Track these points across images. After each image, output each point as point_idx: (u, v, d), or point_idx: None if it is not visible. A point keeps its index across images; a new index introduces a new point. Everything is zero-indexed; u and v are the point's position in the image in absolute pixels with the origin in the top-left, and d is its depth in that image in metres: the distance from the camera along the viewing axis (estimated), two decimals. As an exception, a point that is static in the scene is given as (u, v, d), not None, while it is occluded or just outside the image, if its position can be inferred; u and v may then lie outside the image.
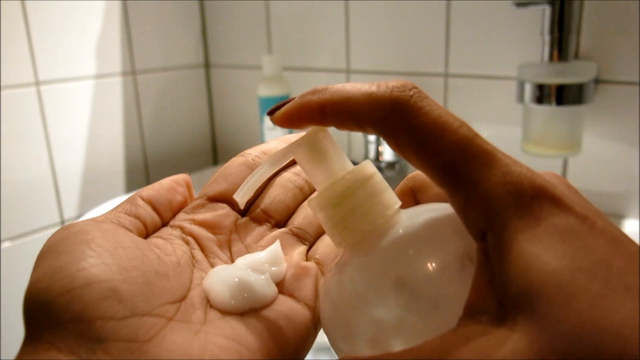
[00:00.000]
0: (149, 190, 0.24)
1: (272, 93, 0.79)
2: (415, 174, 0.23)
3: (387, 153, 0.69)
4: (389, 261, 0.19)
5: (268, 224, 0.26)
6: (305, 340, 0.21)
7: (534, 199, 0.16)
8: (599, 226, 0.16)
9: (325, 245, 0.25)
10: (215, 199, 0.25)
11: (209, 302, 0.21)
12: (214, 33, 1.00)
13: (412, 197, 0.23)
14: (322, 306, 0.21)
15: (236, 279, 0.22)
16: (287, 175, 0.27)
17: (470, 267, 0.17)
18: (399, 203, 0.21)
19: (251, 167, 0.26)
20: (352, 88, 0.19)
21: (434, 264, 0.18)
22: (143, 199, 0.23)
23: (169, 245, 0.23)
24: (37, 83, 0.78)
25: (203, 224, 0.24)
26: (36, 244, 0.81)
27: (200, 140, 1.06)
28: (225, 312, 0.21)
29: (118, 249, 0.20)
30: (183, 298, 0.20)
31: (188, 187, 0.26)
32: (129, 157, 0.93)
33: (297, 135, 0.24)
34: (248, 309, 0.21)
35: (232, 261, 0.24)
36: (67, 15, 0.81)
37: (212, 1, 0.99)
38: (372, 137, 0.70)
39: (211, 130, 1.07)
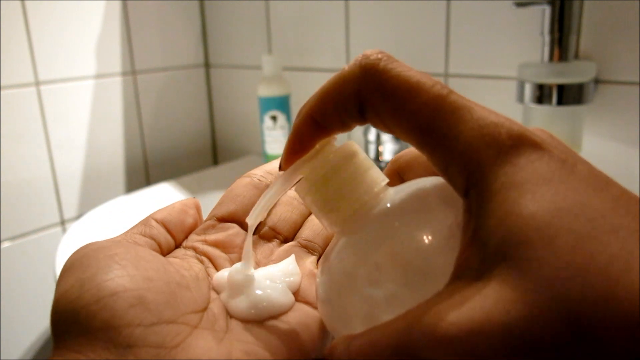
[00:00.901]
0: (161, 213, 0.25)
1: (272, 93, 0.79)
2: (399, 155, 0.23)
3: (387, 153, 0.69)
4: (377, 236, 0.19)
5: (277, 240, 0.26)
6: (322, 343, 0.22)
7: (512, 147, 0.15)
8: (580, 169, 0.15)
9: None
10: (224, 219, 0.26)
11: (228, 313, 0.22)
12: (214, 33, 1.00)
13: (398, 179, 0.23)
14: (317, 291, 0.21)
15: (254, 289, 0.22)
16: (292, 193, 0.28)
17: (459, 234, 0.17)
18: (386, 180, 0.21)
19: (257, 187, 0.26)
20: (325, 82, 0.19)
21: (421, 235, 0.18)
22: (156, 221, 0.24)
23: (185, 262, 0.23)
24: (37, 83, 0.78)
25: (215, 244, 0.25)
26: (36, 244, 0.81)
27: (200, 140, 1.06)
28: (245, 321, 0.21)
29: (141, 262, 0.20)
30: (205, 308, 0.21)
31: (198, 210, 0.26)
32: (129, 157, 0.93)
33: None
34: (267, 317, 0.22)
35: None
36: (67, 15, 0.81)
37: (212, 1, 0.99)
38: (372, 137, 0.70)
39: (211, 130, 1.07)
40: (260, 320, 0.22)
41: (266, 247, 0.26)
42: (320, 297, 0.21)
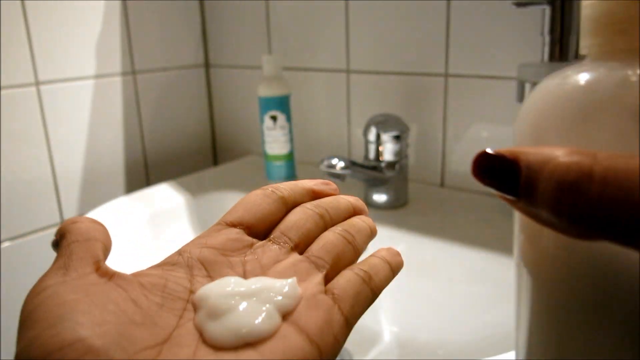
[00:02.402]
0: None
1: (272, 93, 0.79)
2: None
3: (387, 153, 0.69)
4: None
5: (287, 245, 0.25)
6: None
7: None
8: None
9: (346, 280, 0.24)
10: (232, 224, 0.26)
11: (201, 337, 0.21)
12: (214, 33, 1.00)
13: None
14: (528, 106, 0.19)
15: (235, 309, 0.21)
16: (307, 204, 0.27)
17: None
18: None
19: (269, 197, 0.26)
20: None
21: None
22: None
23: (165, 278, 0.23)
24: (37, 83, 0.78)
25: (214, 247, 0.24)
26: (36, 244, 0.81)
27: (200, 140, 1.06)
28: (218, 347, 0.20)
29: (92, 305, 0.20)
30: (166, 339, 0.20)
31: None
32: (129, 157, 0.93)
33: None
34: (243, 344, 0.20)
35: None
36: (67, 15, 0.81)
37: (212, 1, 0.99)
38: (372, 137, 0.70)
39: (211, 130, 1.07)
40: (234, 347, 0.20)
41: (274, 252, 0.25)
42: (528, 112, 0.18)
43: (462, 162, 0.76)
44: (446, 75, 0.74)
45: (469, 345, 0.54)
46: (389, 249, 0.27)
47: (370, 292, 0.24)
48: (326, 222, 0.27)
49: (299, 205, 0.27)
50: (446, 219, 0.69)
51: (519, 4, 0.59)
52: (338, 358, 0.58)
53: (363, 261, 0.26)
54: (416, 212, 0.71)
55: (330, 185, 0.29)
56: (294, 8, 0.88)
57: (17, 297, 0.88)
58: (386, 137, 0.69)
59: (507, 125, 0.70)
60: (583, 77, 0.18)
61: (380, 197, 0.72)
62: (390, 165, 0.70)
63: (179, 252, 0.24)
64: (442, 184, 0.79)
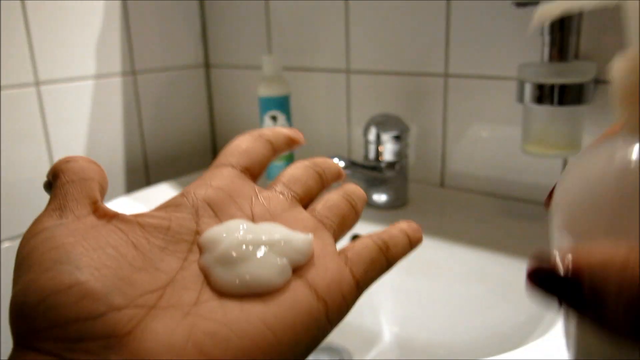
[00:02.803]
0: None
1: (272, 93, 0.79)
2: None
3: (387, 153, 0.69)
4: None
5: (292, 198, 0.25)
6: (310, 334, 0.20)
7: None
8: None
9: (363, 246, 0.24)
10: (232, 166, 0.25)
11: (206, 279, 0.20)
12: (214, 33, 1.00)
13: None
14: (565, 183, 0.17)
15: (245, 259, 0.20)
16: (305, 162, 0.28)
17: None
18: None
19: (259, 140, 0.27)
20: None
21: None
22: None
23: (168, 219, 0.22)
24: (37, 83, 0.78)
25: (220, 188, 0.24)
26: (36, 244, 0.81)
27: (200, 140, 1.06)
28: (224, 293, 0.20)
29: (89, 248, 0.19)
30: (169, 282, 0.20)
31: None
32: (129, 157, 0.93)
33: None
34: (250, 294, 0.20)
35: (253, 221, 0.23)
36: (67, 15, 0.81)
37: (212, 1, 0.99)
38: (371, 137, 0.70)
39: (211, 130, 1.07)
40: (241, 295, 0.20)
41: (281, 201, 0.25)
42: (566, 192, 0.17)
43: (462, 162, 0.76)
44: (446, 75, 0.74)
45: (469, 345, 0.54)
46: (410, 223, 0.26)
47: (385, 261, 0.24)
48: (323, 182, 0.27)
49: (282, 151, 0.28)
50: (446, 219, 0.69)
51: (519, 4, 0.59)
52: (338, 358, 0.58)
53: (383, 231, 0.25)
54: (416, 212, 0.71)
55: (300, 135, 0.30)
56: (294, 8, 0.88)
57: (17, 297, 0.86)
58: (386, 137, 0.69)
59: (507, 125, 0.70)
60: (631, 161, 0.16)
61: (380, 197, 0.72)
62: (390, 165, 0.70)
63: (183, 194, 0.23)
64: (442, 184, 0.79)
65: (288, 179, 0.26)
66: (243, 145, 0.26)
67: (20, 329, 0.18)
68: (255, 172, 0.26)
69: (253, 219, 0.24)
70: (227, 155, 0.26)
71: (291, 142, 0.28)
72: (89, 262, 0.19)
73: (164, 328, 0.18)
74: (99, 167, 0.23)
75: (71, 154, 0.24)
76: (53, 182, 0.23)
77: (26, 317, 0.18)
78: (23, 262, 0.19)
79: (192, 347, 0.18)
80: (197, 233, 0.22)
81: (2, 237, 0.78)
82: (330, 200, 0.26)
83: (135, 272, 0.19)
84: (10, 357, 0.18)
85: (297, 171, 0.27)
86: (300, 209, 0.25)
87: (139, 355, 0.17)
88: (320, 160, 0.28)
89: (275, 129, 0.28)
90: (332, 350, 0.59)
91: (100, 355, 0.17)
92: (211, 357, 0.18)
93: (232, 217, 0.23)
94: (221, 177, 0.24)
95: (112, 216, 0.21)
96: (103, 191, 0.23)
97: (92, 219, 0.21)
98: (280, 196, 0.25)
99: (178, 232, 0.22)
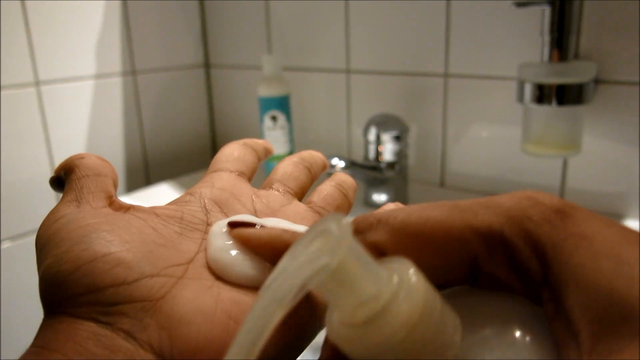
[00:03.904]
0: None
1: (272, 93, 0.79)
2: (387, 214, 0.19)
3: (387, 153, 0.69)
4: None
5: (287, 193, 0.27)
6: (321, 300, 0.21)
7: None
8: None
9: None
10: (229, 170, 0.27)
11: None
12: (214, 33, 1.00)
13: (375, 250, 0.18)
14: None
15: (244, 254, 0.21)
16: (293, 157, 0.29)
17: None
18: (457, 340, 0.16)
19: (246, 148, 0.28)
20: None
21: None
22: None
23: (180, 211, 0.23)
24: (37, 83, 0.78)
25: (223, 188, 0.25)
26: (36, 244, 0.81)
27: (200, 140, 1.06)
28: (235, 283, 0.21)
29: (114, 227, 0.20)
30: (191, 260, 0.21)
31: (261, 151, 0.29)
32: (129, 157, 0.93)
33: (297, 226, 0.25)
34: (248, 285, 0.21)
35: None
36: (67, 15, 0.81)
37: (212, 1, 0.99)
38: (371, 137, 0.70)
39: (211, 130, 1.07)
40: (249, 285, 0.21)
41: (279, 197, 0.26)
42: None
43: (462, 162, 0.76)
44: (446, 75, 0.74)
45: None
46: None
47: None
48: (312, 175, 0.29)
49: (262, 159, 0.30)
50: (446, 219, 0.69)
51: (519, 4, 0.59)
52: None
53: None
54: (416, 212, 0.71)
55: (271, 146, 0.31)
56: (294, 8, 0.88)
57: (17, 297, 0.88)
58: (386, 137, 0.69)
59: (506, 125, 0.70)
60: None
61: (380, 197, 0.72)
62: (390, 165, 0.70)
63: (190, 192, 0.25)
64: (442, 184, 0.79)
65: (281, 176, 0.28)
66: (235, 153, 0.28)
67: (54, 297, 0.19)
68: (248, 176, 0.28)
69: (256, 214, 0.25)
70: (223, 161, 0.28)
71: (267, 152, 0.30)
72: (118, 237, 0.20)
73: (193, 294, 0.19)
74: (110, 165, 0.24)
75: (72, 154, 0.24)
76: (66, 176, 0.23)
77: (61, 284, 0.18)
78: (48, 242, 0.20)
79: (221, 312, 0.19)
80: (208, 224, 0.23)
81: (2, 237, 0.78)
82: (324, 191, 0.28)
83: (160, 248, 0.20)
84: (42, 325, 0.19)
85: (288, 168, 0.28)
86: (297, 203, 0.27)
87: (173, 318, 0.18)
88: (306, 154, 0.30)
89: (253, 140, 0.30)
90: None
91: (136, 317, 0.18)
92: (238, 321, 0.19)
93: (237, 212, 0.24)
94: (222, 179, 0.26)
95: (128, 208, 0.22)
96: (116, 187, 0.24)
97: (109, 210, 0.22)
98: (277, 193, 0.27)
99: (191, 222, 0.23)
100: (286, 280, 0.15)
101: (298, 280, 0.14)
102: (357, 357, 0.15)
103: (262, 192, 0.27)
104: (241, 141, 0.29)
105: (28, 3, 0.76)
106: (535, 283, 0.16)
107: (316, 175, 0.29)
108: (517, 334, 0.16)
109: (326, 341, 0.18)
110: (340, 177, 0.29)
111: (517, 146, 0.67)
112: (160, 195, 0.81)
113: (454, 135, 0.75)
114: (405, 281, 0.15)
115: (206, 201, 0.24)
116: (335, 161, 0.66)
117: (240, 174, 0.27)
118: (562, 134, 0.61)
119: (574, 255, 0.15)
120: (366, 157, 0.71)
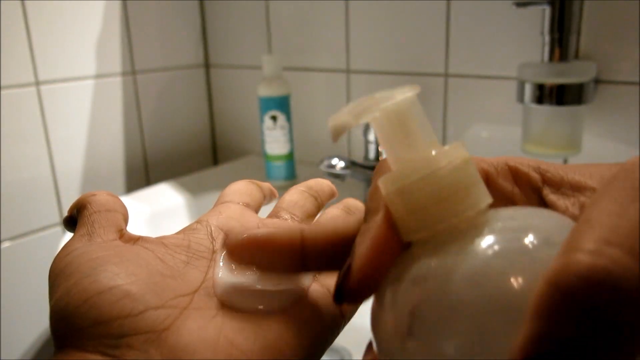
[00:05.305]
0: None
1: (272, 93, 0.79)
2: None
3: (387, 153, 0.69)
4: (448, 281, 0.16)
5: (293, 220, 0.27)
6: (330, 331, 0.22)
7: None
8: None
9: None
10: (235, 202, 0.28)
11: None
12: (214, 33, 1.00)
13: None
14: (375, 304, 0.19)
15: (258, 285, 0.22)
16: (300, 187, 0.29)
17: None
18: (488, 201, 0.18)
19: (253, 185, 0.29)
20: None
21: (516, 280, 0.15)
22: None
23: (187, 239, 0.24)
24: (37, 83, 0.78)
25: (231, 217, 0.26)
26: (36, 244, 0.81)
27: (200, 140, 1.06)
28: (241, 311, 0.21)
29: (122, 259, 0.21)
30: (196, 290, 0.22)
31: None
32: (129, 157, 0.93)
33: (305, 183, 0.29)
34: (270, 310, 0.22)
35: None
36: (67, 15, 0.81)
37: (212, 1, 0.99)
38: (372, 137, 0.70)
39: (211, 130, 1.07)
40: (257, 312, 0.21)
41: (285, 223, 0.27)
42: (376, 311, 0.19)
43: (462, 162, 0.76)
44: (446, 75, 0.74)
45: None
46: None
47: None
48: (319, 203, 0.29)
49: (266, 199, 0.30)
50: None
51: (519, 4, 0.59)
52: (338, 357, 0.58)
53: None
54: (416, 212, 0.71)
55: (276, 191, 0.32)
56: (294, 8, 0.88)
57: (17, 297, 0.88)
58: (386, 137, 0.69)
59: (506, 125, 0.70)
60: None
61: (380, 197, 0.72)
62: (390, 165, 0.70)
63: (198, 221, 0.26)
64: (442, 184, 0.78)
65: (287, 205, 0.28)
66: (243, 189, 0.29)
67: (64, 331, 0.19)
68: (255, 208, 0.29)
69: None
70: (230, 194, 0.28)
71: (272, 194, 0.31)
72: (125, 269, 0.21)
73: (197, 325, 0.20)
74: (121, 201, 0.25)
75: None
76: (79, 213, 0.24)
77: (69, 317, 0.19)
78: (60, 274, 0.21)
79: (223, 340, 0.20)
80: (214, 251, 0.24)
81: (2, 237, 0.78)
82: (327, 217, 0.28)
83: (166, 279, 0.21)
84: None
85: (294, 197, 0.29)
86: None
87: (177, 349, 0.19)
88: (313, 182, 0.30)
89: (260, 182, 0.31)
90: (332, 350, 0.59)
91: (141, 349, 0.19)
92: (242, 349, 0.20)
93: None
94: (229, 209, 0.27)
95: (136, 239, 0.23)
96: (126, 222, 0.25)
97: (119, 242, 0.23)
98: (283, 221, 0.27)
99: (198, 250, 0.24)
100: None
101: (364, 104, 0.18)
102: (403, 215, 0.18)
103: (269, 221, 0.27)
104: (247, 180, 0.30)
105: (28, 3, 0.76)
106: (536, 188, 0.20)
107: (323, 203, 0.30)
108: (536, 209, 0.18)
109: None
110: (349, 202, 0.29)
111: (517, 146, 0.67)
112: (160, 195, 0.81)
113: (454, 135, 0.75)
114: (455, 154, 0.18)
115: (212, 228, 0.25)
116: (335, 161, 0.66)
117: (247, 205, 0.28)
118: (562, 134, 0.61)
119: (565, 167, 0.20)
120: (366, 157, 0.71)
